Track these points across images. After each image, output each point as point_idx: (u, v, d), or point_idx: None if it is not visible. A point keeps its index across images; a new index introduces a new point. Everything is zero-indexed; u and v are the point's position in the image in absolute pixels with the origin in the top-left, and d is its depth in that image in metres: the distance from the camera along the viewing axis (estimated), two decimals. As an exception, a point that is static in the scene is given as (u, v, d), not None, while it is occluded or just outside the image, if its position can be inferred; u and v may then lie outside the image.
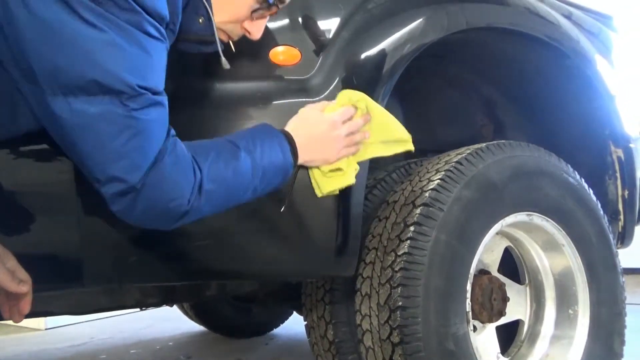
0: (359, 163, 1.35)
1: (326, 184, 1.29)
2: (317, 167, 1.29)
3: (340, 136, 1.29)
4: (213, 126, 1.29)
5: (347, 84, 1.35)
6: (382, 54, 1.40)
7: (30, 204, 1.27)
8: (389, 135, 1.37)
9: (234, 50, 1.25)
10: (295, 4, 1.25)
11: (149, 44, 1.03)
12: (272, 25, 1.29)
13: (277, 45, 1.32)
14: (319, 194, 1.30)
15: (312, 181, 1.30)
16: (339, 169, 1.30)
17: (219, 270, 1.40)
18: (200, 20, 1.18)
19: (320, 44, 1.35)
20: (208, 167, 1.12)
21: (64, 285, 1.33)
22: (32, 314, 1.80)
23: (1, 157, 1.22)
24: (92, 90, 0.99)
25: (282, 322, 3.18)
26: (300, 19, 1.35)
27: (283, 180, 1.24)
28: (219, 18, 1.20)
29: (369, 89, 1.37)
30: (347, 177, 1.31)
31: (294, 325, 3.11)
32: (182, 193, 1.08)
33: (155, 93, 1.05)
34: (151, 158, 1.05)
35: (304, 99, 1.32)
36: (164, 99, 1.08)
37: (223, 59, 1.21)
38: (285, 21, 1.34)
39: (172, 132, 1.11)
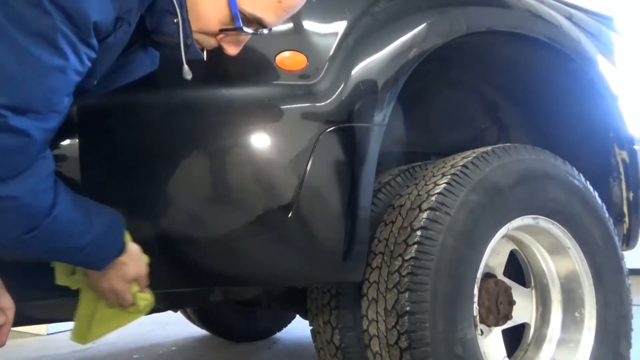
0: None
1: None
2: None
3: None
4: (219, 132, 1.29)
5: (353, 89, 1.34)
6: (388, 59, 1.40)
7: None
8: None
9: (205, 58, 1.18)
10: (301, 8, 1.24)
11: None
12: (279, 30, 1.28)
13: (283, 50, 1.31)
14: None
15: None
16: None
17: (226, 276, 1.39)
18: (175, 21, 1.08)
19: (326, 49, 1.35)
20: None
21: (71, 293, 1.32)
22: (35, 321, 1.80)
23: None
24: None
25: (285, 325, 3.18)
26: (306, 24, 1.35)
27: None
28: (192, 26, 1.11)
29: (375, 93, 1.37)
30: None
31: (297, 328, 3.10)
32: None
33: (19, 112, 0.91)
34: None
35: (310, 104, 1.31)
36: (33, 125, 0.94)
37: (185, 67, 1.11)
38: (291, 26, 1.33)
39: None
